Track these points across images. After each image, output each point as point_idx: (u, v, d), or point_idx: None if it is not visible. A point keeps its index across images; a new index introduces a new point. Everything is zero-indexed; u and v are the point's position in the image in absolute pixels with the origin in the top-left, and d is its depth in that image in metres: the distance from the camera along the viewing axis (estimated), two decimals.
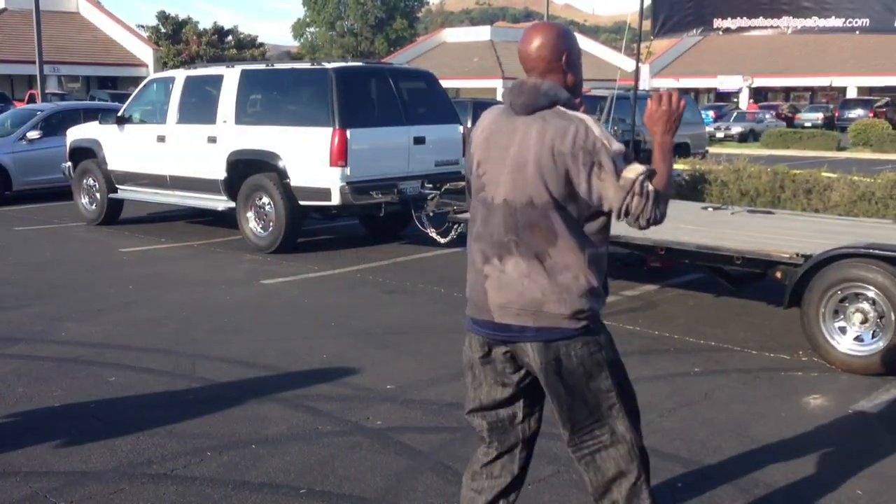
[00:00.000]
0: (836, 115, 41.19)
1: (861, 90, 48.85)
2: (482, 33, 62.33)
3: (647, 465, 2.86)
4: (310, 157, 9.00)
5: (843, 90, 50.11)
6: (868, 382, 5.24)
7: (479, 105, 19.74)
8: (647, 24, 9.76)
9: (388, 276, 8.33)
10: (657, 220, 2.67)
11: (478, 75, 50.93)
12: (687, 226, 7.21)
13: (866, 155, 26.28)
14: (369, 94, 9.82)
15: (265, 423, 4.51)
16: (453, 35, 64.54)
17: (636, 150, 9.49)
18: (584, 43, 63.34)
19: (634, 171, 2.62)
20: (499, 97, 43.43)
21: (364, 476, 3.90)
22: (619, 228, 7.23)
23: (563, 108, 2.69)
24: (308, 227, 10.09)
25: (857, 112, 39.60)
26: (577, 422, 2.80)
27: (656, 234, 6.76)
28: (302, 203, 9.23)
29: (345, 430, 4.45)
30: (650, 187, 2.63)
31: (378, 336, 6.22)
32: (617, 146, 2.65)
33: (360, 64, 10.60)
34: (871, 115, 37.53)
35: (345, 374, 5.31)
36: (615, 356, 2.78)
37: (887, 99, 42.81)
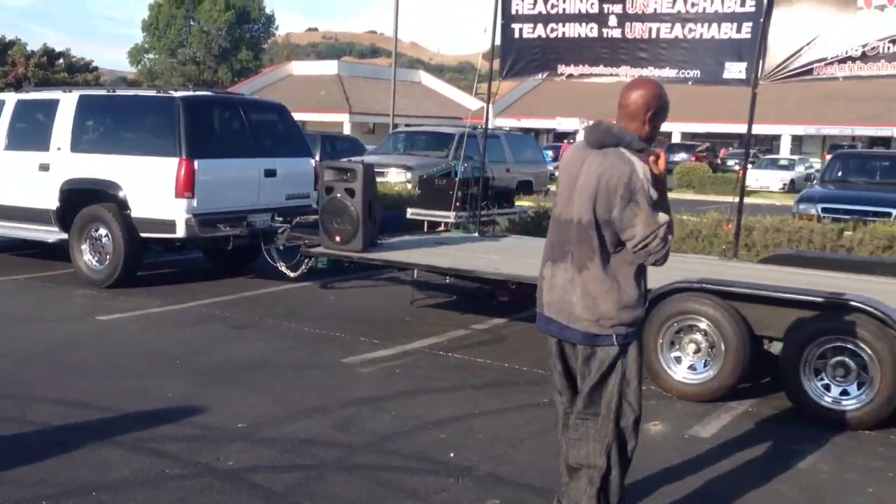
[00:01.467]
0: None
1: (685, 135, 52.40)
2: (330, 67, 62.33)
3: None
4: (153, 187, 8.66)
5: (668, 135, 53.56)
6: (701, 409, 5.56)
7: (328, 139, 19.73)
8: (486, 65, 10.07)
9: (235, 310, 8.10)
10: (663, 262, 3.35)
11: (325, 109, 50.77)
12: (535, 261, 7.43)
13: (690, 196, 28.14)
14: (218, 124, 9.60)
15: (107, 468, 4.25)
16: (301, 68, 64.14)
17: (485, 188, 9.73)
18: (429, 81, 64.71)
19: (663, 218, 3.26)
20: (346, 131, 43.49)
21: None
22: (472, 264, 7.36)
23: (623, 150, 3.30)
24: (147, 261, 9.67)
25: (682, 156, 42.30)
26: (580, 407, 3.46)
27: (508, 269, 6.97)
28: (143, 235, 8.85)
29: (194, 472, 4.27)
30: (669, 236, 3.28)
31: (226, 373, 6.03)
32: (654, 193, 3.23)
33: (209, 93, 10.35)
34: (694, 158, 40.23)
35: (192, 414, 5.11)
36: (633, 369, 3.42)
37: (707, 144, 46.11)
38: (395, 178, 15.49)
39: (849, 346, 5.24)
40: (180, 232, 8.64)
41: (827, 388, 5.36)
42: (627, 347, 3.42)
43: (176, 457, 4.44)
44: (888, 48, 7.16)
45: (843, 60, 7.36)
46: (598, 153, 3.35)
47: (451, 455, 4.61)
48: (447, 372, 6.24)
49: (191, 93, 9.61)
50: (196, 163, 8.62)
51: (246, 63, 64.85)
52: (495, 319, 7.98)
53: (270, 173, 9.51)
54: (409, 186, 14.43)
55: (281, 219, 9.41)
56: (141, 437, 4.70)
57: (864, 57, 7.27)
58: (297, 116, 11.97)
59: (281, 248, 9.02)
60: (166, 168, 8.58)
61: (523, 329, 7.71)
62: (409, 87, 56.27)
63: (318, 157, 13.73)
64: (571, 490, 3.53)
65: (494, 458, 4.59)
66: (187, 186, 8.60)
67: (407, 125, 30.90)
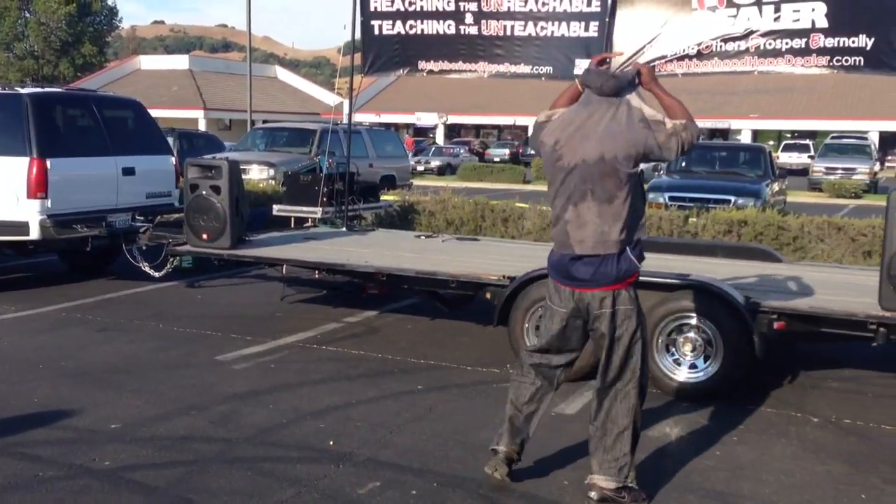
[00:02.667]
0: (521, 151, 45.20)
1: None
2: (180, 62, 60.39)
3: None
4: (3, 188, 8.26)
5: (525, 129, 55.14)
6: (565, 388, 5.86)
7: (186, 136, 19.20)
8: (346, 61, 10.15)
9: (98, 313, 7.86)
10: (696, 136, 4.09)
11: (177, 105, 49.19)
12: (404, 253, 7.65)
13: (546, 187, 29.13)
14: (70, 121, 9.25)
15: None
16: (149, 62, 61.82)
17: (351, 184, 9.82)
18: (285, 77, 63.79)
19: (671, 122, 3.99)
20: (201, 128, 42.26)
21: None
22: (342, 258, 7.47)
23: (623, 99, 4.01)
24: None
25: None
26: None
27: (378, 262, 7.11)
28: None
29: (69, 474, 4.20)
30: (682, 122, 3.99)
31: (96, 376, 5.89)
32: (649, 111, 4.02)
33: (59, 90, 9.92)
34: None
35: (62, 417, 4.99)
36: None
37: None
38: (258, 175, 15.31)
39: (694, 322, 5.70)
40: (34, 234, 8.29)
41: (678, 363, 5.80)
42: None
43: (49, 460, 4.34)
44: (720, 46, 7.77)
45: (681, 58, 7.93)
46: (605, 102, 4.00)
47: (331, 443, 4.73)
48: (322, 364, 6.33)
49: (39, 89, 9.20)
50: (48, 162, 8.29)
51: (89, 57, 61.63)
52: (367, 312, 8.11)
53: (129, 171, 9.25)
54: (273, 183, 14.30)
55: (142, 218, 9.18)
56: (10, 441, 4.56)
57: (699, 55, 7.86)
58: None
59: (143, 247, 8.80)
60: (16, 168, 8.21)
61: (395, 320, 7.89)
62: (264, 83, 55.31)
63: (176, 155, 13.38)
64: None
65: (373, 444, 4.74)
66: (40, 186, 8.26)
67: (265, 121, 30.40)
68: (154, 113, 11.18)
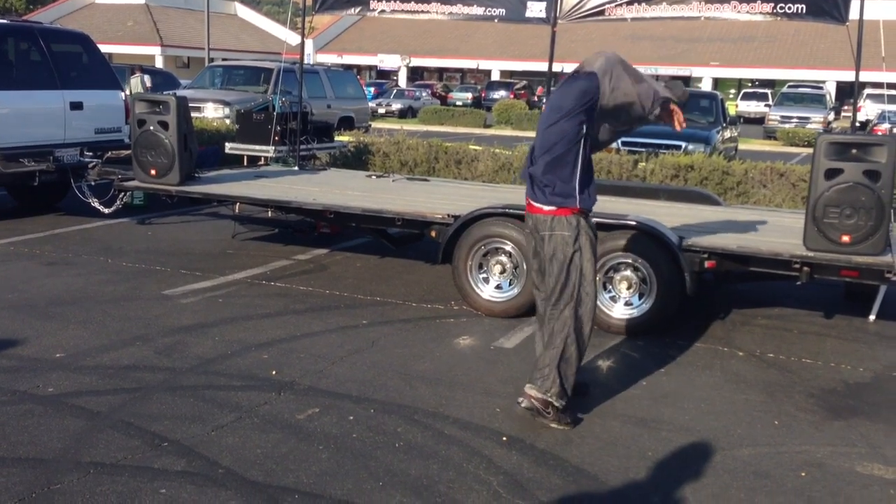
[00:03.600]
0: (483, 95, 45.01)
1: (503, 73, 53.82)
2: None
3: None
4: None
5: (488, 73, 54.80)
6: (506, 324, 6.09)
7: (144, 72, 18.85)
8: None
9: (46, 248, 7.86)
10: None
11: (133, 41, 48.01)
12: (353, 192, 7.73)
13: (508, 132, 29.17)
14: (15, 54, 9.09)
15: None
16: None
17: (304, 123, 9.82)
18: (246, 14, 62.36)
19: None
20: (158, 64, 41.38)
21: (40, 440, 3.84)
22: (291, 195, 7.53)
23: None
24: None
25: (501, 93, 43.61)
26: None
27: (325, 199, 7.20)
28: None
29: (12, 399, 4.30)
30: None
31: (41, 308, 5.94)
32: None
33: (4, 21, 9.71)
34: (512, 96, 41.58)
35: (6, 347, 5.06)
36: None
37: (525, 82, 47.66)
38: (213, 113, 15.16)
39: (630, 261, 5.89)
40: None
41: (614, 299, 6.01)
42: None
43: None
44: None
45: (630, 2, 8.02)
46: None
47: (274, 373, 4.87)
48: (270, 300, 6.44)
49: None
50: None
51: None
52: (317, 250, 8.21)
53: (76, 106, 9.16)
54: (228, 122, 14.19)
55: (91, 154, 9.13)
56: None
57: (648, 0, 7.95)
58: (103, 49, 11.44)
59: (93, 183, 8.78)
60: None
61: (344, 258, 8.00)
62: (224, 20, 54.08)
63: (127, 91, 13.21)
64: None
65: (315, 374, 4.89)
66: None
67: (224, 59, 29.91)
68: (108, 49, 11.04)
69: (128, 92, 16.81)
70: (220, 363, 5.01)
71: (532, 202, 4.45)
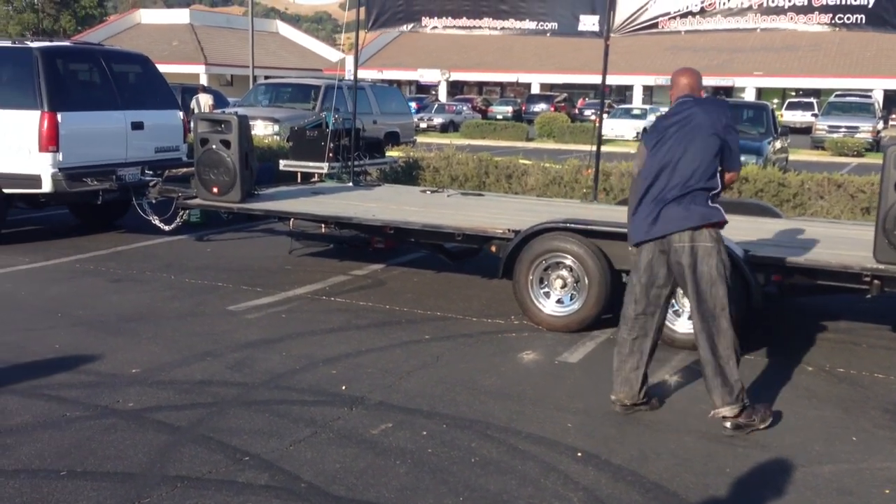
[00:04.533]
0: (524, 108, 45.06)
1: (543, 86, 53.83)
2: (181, 16, 59.90)
3: None
4: (16, 141, 8.39)
5: (528, 86, 54.85)
6: (568, 338, 6.08)
7: (189, 91, 19.23)
8: (351, 16, 10.17)
9: (110, 265, 8.04)
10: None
11: (178, 60, 48.92)
12: (410, 207, 7.79)
13: (550, 145, 29.18)
14: (80, 75, 9.34)
15: (5, 415, 4.32)
16: (150, 16, 61.29)
17: (356, 139, 9.93)
18: (287, 32, 63.27)
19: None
20: (203, 81, 42.09)
21: (126, 454, 3.92)
22: (350, 211, 7.62)
23: None
24: (12, 218, 9.35)
25: (541, 106, 43.65)
26: None
27: (385, 215, 7.26)
28: (7, 191, 8.58)
29: (95, 414, 4.40)
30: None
31: (112, 323, 6.08)
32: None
33: (68, 44, 9.99)
34: (553, 109, 41.56)
35: (84, 362, 5.18)
36: None
37: (565, 95, 47.62)
38: (263, 130, 15.37)
39: None
40: (46, 187, 8.44)
41: (677, 314, 5.96)
42: None
43: (75, 401, 4.54)
44: (724, 3, 7.82)
45: (684, 15, 7.98)
46: None
47: (344, 388, 4.92)
48: (332, 315, 6.51)
49: (49, 43, 9.27)
50: (59, 115, 8.42)
51: (89, 10, 61.18)
52: (373, 265, 8.28)
53: (137, 126, 9.37)
54: (278, 139, 14.38)
55: (151, 172, 9.32)
56: (36, 384, 4.76)
57: (702, 12, 7.92)
58: None
59: (153, 201, 8.95)
60: (28, 121, 8.34)
61: (401, 273, 8.06)
62: (266, 38, 54.91)
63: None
64: None
65: (384, 389, 4.93)
66: (52, 140, 8.39)
67: (266, 77, 30.31)
68: None
69: (196, 110, 17.17)
70: (290, 378, 5.08)
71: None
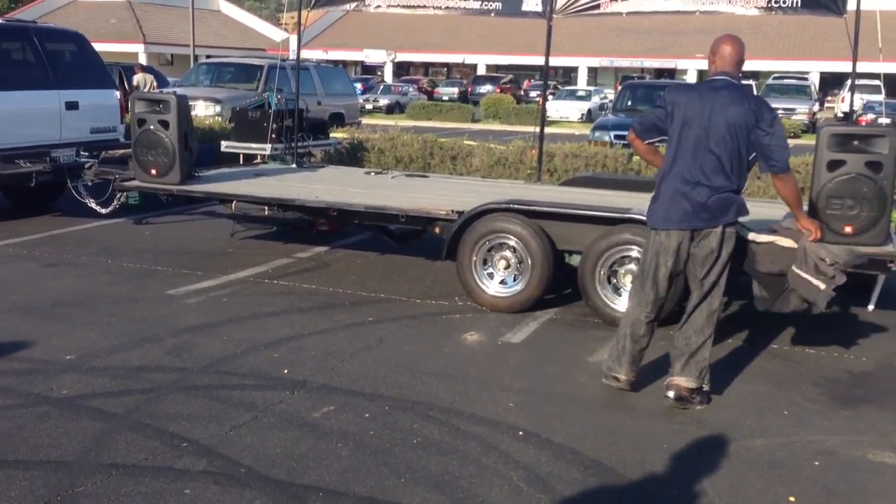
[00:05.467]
0: (470, 90, 45.03)
1: (489, 67, 53.83)
2: None
3: None
4: None
5: (474, 67, 54.79)
6: (512, 319, 6.12)
7: (127, 70, 18.77)
8: None
9: (45, 249, 7.83)
10: None
11: (116, 38, 47.60)
12: (354, 189, 7.74)
13: (496, 126, 29.22)
14: (12, 54, 9.03)
15: None
16: None
17: (300, 120, 9.81)
18: (229, 10, 62.01)
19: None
20: (142, 61, 41.11)
21: (59, 442, 3.84)
22: (293, 193, 7.54)
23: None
24: None
25: (487, 87, 43.66)
26: None
27: (328, 197, 7.20)
28: None
29: (28, 402, 4.29)
30: None
31: (47, 309, 5.93)
32: None
33: None
34: (499, 90, 41.59)
35: (17, 349, 5.05)
36: None
37: (511, 76, 47.70)
38: (204, 111, 15.10)
39: (635, 254, 5.93)
40: None
41: (618, 293, 6.04)
42: None
43: (7, 389, 4.43)
44: None
45: None
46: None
47: (286, 371, 4.89)
48: (274, 298, 6.45)
49: None
50: None
51: None
52: (317, 248, 8.21)
53: (72, 106, 9.12)
54: (220, 119, 14.14)
55: (87, 154, 9.09)
56: None
57: None
58: None
59: (89, 183, 8.74)
60: None
61: (345, 255, 8.01)
62: (207, 16, 53.75)
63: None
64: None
65: (327, 372, 4.91)
66: None
67: (208, 56, 29.76)
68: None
69: (142, 88, 16.74)
70: (231, 362, 5.02)
71: None
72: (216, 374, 4.82)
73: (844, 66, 8.01)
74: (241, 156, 9.94)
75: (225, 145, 10.12)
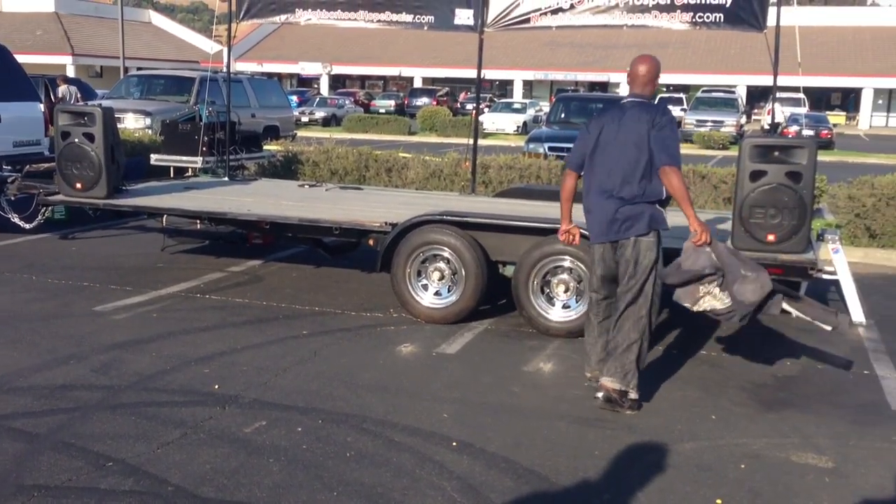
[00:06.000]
0: (406, 102, 45.10)
1: (426, 80, 54.03)
2: (45, 4, 56.70)
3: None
4: None
5: (410, 80, 54.93)
6: (447, 330, 6.13)
7: (53, 82, 18.29)
8: (224, 7, 9.90)
9: None
10: None
11: (42, 50, 46.45)
12: (287, 202, 7.68)
13: (433, 139, 29.30)
14: None
15: None
16: (11, 4, 57.84)
17: (232, 133, 9.69)
18: (160, 22, 61.09)
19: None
20: (70, 73, 40.14)
21: None
22: (224, 207, 7.44)
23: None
24: None
25: (423, 100, 43.77)
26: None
27: (261, 210, 7.13)
28: None
29: None
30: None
31: None
32: None
33: None
34: (435, 103, 41.75)
35: None
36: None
37: (447, 89, 47.95)
38: (134, 123, 14.81)
39: (567, 264, 6.00)
40: None
41: (551, 303, 6.10)
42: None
43: None
44: (591, 1, 8.04)
45: (555, 11, 8.17)
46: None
47: (217, 387, 4.80)
48: (206, 313, 6.34)
49: None
50: None
51: None
52: (251, 261, 8.11)
53: None
54: (150, 132, 13.88)
55: (10, 168, 8.83)
56: None
57: (572, 8, 8.12)
58: None
59: (12, 198, 8.48)
60: None
61: (279, 269, 7.93)
62: (138, 28, 52.87)
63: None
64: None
65: (259, 387, 4.84)
66: None
67: (139, 68, 29.20)
68: (17, 59, 10.65)
69: (65, 101, 16.32)
70: (160, 379, 4.91)
71: None
72: (144, 392, 4.71)
73: (769, 80, 8.31)
74: (172, 169, 9.77)
75: (155, 158, 9.94)
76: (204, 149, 9.39)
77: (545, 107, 36.21)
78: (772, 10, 7.38)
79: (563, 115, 15.99)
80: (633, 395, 4.66)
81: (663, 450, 4.17)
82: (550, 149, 13.60)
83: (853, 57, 48.84)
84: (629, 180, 4.60)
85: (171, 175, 9.70)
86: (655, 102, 4.91)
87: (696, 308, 4.78)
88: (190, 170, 9.62)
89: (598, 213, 4.73)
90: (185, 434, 4.15)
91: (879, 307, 7.09)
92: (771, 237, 5.59)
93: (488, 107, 38.05)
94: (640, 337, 4.67)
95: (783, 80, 8.05)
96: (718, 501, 3.66)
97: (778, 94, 8.87)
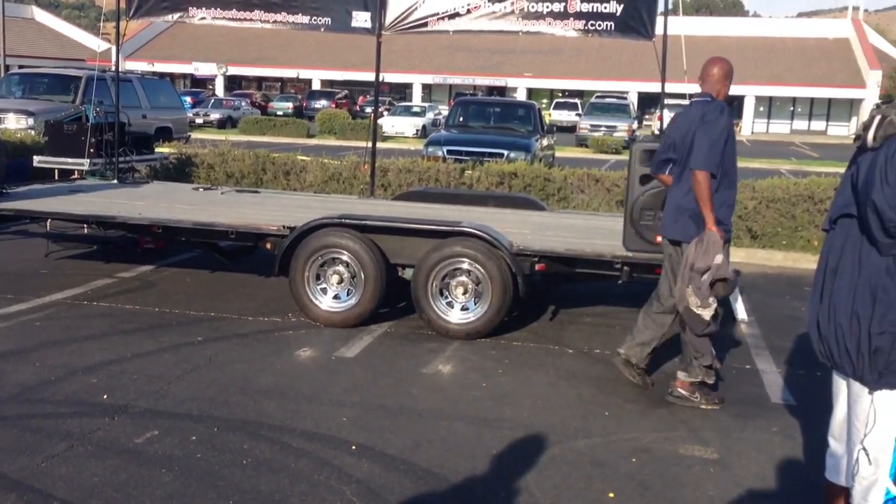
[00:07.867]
0: (305, 105, 44.62)
1: (324, 83, 53.57)
2: None
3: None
4: None
5: (308, 82, 54.35)
6: (346, 334, 6.10)
7: None
8: (112, 3, 9.57)
9: None
10: None
11: None
12: (181, 205, 7.49)
13: (332, 142, 29.06)
14: None
15: None
16: None
17: (121, 134, 9.38)
18: (44, 18, 58.58)
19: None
20: None
21: None
22: (113, 210, 7.20)
23: None
24: None
25: (322, 102, 43.40)
26: None
27: (152, 213, 6.92)
28: None
29: None
30: None
31: None
32: None
33: None
34: (334, 105, 41.47)
35: None
36: None
37: (346, 91, 47.67)
38: (15, 124, 14.13)
39: (465, 266, 6.07)
40: None
41: (451, 305, 6.15)
42: None
43: None
44: (488, 6, 8.16)
45: (452, 16, 8.26)
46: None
47: (105, 397, 4.64)
48: (94, 320, 6.11)
49: None
50: None
51: None
52: (142, 267, 7.87)
53: None
54: (33, 133, 13.27)
55: None
56: None
57: (469, 13, 8.22)
58: None
59: None
60: None
61: (173, 274, 7.72)
62: (20, 24, 50.54)
63: None
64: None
65: (151, 395, 4.70)
66: None
67: (21, 66, 27.89)
68: None
69: None
70: (45, 390, 4.71)
71: None
72: (27, 403, 4.51)
73: (658, 87, 8.61)
74: (57, 171, 9.39)
75: (38, 160, 9.52)
76: (91, 150, 9.05)
77: (444, 110, 36.47)
78: (660, 20, 7.66)
79: (461, 119, 16.13)
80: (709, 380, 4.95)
81: (558, 447, 4.26)
82: (449, 152, 13.68)
83: (736, 66, 50.57)
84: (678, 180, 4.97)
85: (56, 177, 9.32)
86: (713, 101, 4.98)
87: (705, 312, 4.83)
88: (76, 172, 9.26)
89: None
90: (72, 446, 3.99)
91: (760, 305, 7.44)
92: (659, 239, 5.78)
93: (387, 110, 38.07)
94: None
95: (671, 87, 8.36)
96: (611, 495, 3.77)
97: (666, 101, 9.19)
